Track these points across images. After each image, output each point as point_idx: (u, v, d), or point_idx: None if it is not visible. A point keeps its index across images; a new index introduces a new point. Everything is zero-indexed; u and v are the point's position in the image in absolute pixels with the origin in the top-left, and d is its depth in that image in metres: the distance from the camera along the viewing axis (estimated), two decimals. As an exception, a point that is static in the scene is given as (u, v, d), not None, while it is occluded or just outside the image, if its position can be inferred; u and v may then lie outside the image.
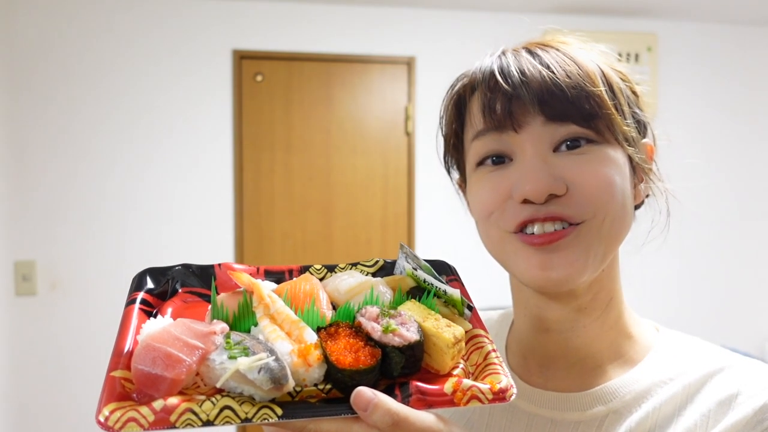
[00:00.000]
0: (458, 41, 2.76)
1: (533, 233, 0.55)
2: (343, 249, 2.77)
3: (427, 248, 2.80)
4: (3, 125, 2.47)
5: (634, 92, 0.61)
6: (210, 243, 2.65)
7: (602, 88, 0.55)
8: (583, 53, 0.58)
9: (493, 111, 0.56)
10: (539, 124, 0.55)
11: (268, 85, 2.71)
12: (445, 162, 0.69)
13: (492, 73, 0.57)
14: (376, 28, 2.77)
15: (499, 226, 0.58)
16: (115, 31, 2.58)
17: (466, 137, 0.62)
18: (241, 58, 2.67)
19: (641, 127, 0.61)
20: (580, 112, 0.54)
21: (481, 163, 0.60)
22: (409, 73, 2.79)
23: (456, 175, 0.69)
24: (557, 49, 0.57)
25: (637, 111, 0.60)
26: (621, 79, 0.59)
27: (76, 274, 2.54)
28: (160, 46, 2.61)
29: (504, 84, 0.55)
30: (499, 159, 0.58)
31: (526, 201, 0.55)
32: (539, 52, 0.57)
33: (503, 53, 0.59)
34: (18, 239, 2.50)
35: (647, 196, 0.63)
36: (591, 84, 0.55)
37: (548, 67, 0.55)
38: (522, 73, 0.55)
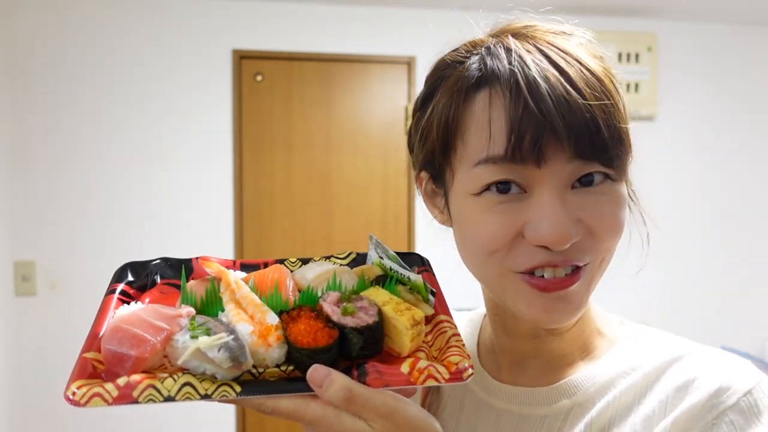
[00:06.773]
0: (458, 41, 2.76)
1: (542, 276, 0.52)
2: (343, 249, 2.76)
3: (427, 248, 2.78)
4: (3, 125, 2.48)
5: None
6: (210, 243, 2.65)
7: (629, 124, 0.51)
8: (596, 64, 0.52)
9: (521, 142, 0.49)
10: (564, 161, 0.49)
11: (268, 85, 2.71)
12: (414, 156, 0.61)
13: (516, 86, 0.49)
14: (376, 28, 2.78)
15: (503, 265, 0.53)
16: (115, 31, 2.58)
17: (462, 149, 0.54)
18: (241, 58, 2.67)
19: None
20: (610, 153, 0.50)
21: (484, 189, 0.53)
22: (409, 73, 2.79)
23: (425, 175, 0.61)
24: (578, 59, 0.51)
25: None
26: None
27: (76, 274, 2.55)
28: (160, 46, 2.61)
29: (536, 109, 0.48)
30: (505, 186, 0.51)
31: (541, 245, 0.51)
32: (557, 58, 0.50)
33: (521, 57, 0.51)
34: (18, 239, 2.51)
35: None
36: (621, 119, 0.50)
37: (579, 92, 0.49)
38: (554, 98, 0.48)
